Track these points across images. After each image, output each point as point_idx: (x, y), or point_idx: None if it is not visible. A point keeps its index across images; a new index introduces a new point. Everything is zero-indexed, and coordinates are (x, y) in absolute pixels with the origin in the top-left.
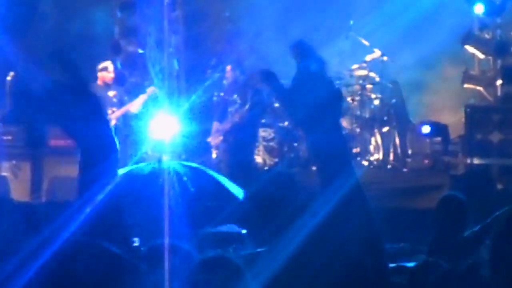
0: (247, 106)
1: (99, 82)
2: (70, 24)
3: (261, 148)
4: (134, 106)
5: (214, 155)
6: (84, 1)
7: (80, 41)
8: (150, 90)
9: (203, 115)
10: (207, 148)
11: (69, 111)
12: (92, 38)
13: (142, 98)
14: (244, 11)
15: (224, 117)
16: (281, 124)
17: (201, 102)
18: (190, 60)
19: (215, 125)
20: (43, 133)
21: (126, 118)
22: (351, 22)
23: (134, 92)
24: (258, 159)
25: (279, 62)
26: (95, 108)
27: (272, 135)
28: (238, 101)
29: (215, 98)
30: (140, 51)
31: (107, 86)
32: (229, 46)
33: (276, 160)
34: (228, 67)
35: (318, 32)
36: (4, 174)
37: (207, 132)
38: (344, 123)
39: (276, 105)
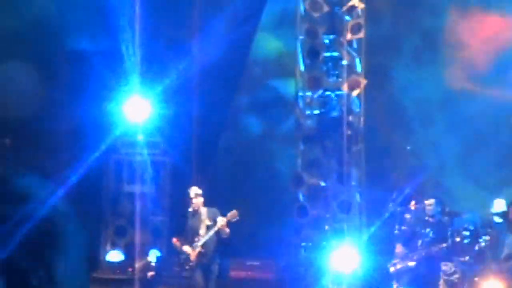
0: (445, 244)
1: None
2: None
3: (441, 282)
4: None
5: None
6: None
7: (261, 174)
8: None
9: (384, 247)
10: (388, 278)
11: None
12: (273, 171)
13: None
14: (425, 145)
15: (409, 248)
16: (462, 259)
17: (381, 234)
18: (371, 193)
19: (401, 250)
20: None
21: None
22: None
23: (316, 224)
24: None
25: (462, 196)
26: None
27: (453, 269)
28: (431, 235)
29: (396, 232)
30: (322, 183)
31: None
32: (411, 179)
33: None
34: (432, 201)
35: (502, 168)
36: None
37: (387, 263)
38: None
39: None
